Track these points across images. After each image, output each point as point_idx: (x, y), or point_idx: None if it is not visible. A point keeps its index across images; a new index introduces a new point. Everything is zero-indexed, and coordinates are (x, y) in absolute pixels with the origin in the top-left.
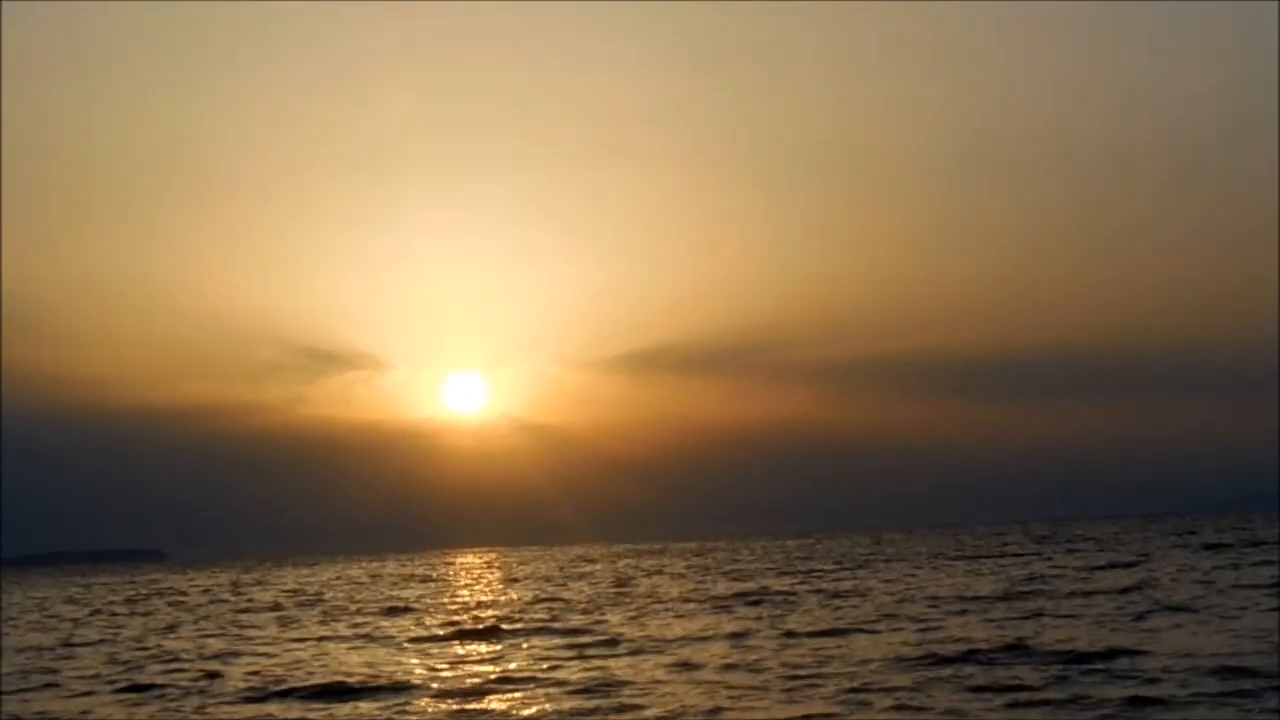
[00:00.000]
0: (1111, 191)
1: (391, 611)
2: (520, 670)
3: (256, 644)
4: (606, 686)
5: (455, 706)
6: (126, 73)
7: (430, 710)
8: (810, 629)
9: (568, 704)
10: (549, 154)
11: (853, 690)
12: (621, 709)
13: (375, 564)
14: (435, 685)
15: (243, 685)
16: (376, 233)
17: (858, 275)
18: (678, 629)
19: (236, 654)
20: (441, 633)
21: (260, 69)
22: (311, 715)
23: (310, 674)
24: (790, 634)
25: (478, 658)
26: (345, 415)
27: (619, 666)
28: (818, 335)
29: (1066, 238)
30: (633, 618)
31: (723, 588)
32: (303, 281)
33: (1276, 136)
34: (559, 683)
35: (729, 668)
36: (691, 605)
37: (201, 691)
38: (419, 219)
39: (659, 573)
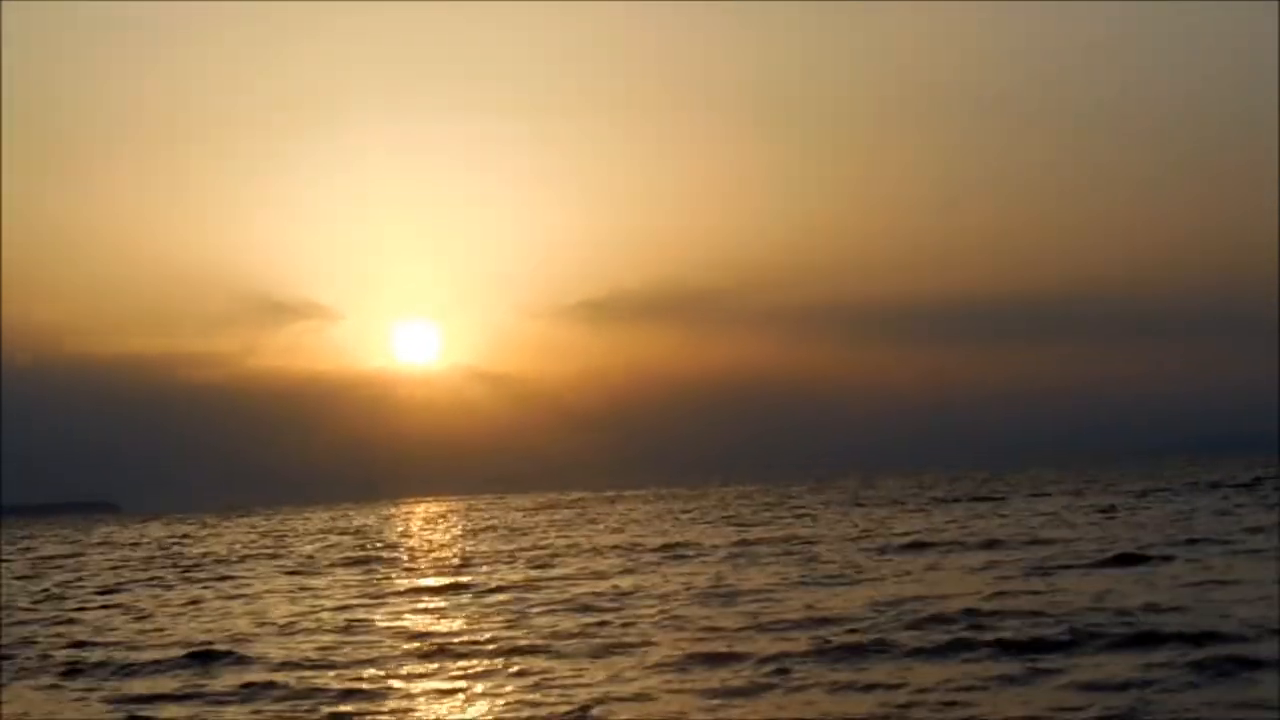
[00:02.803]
0: (1102, 136)
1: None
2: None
3: None
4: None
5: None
6: (71, 21)
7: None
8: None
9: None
10: (502, 100)
11: None
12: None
13: (311, 515)
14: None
15: None
16: (328, 181)
17: (819, 220)
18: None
19: None
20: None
21: (209, 17)
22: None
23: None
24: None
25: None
26: (297, 366)
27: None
28: (778, 281)
29: (1048, 182)
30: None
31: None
32: (254, 231)
33: (1275, 72)
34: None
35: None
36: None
37: None
38: (371, 167)
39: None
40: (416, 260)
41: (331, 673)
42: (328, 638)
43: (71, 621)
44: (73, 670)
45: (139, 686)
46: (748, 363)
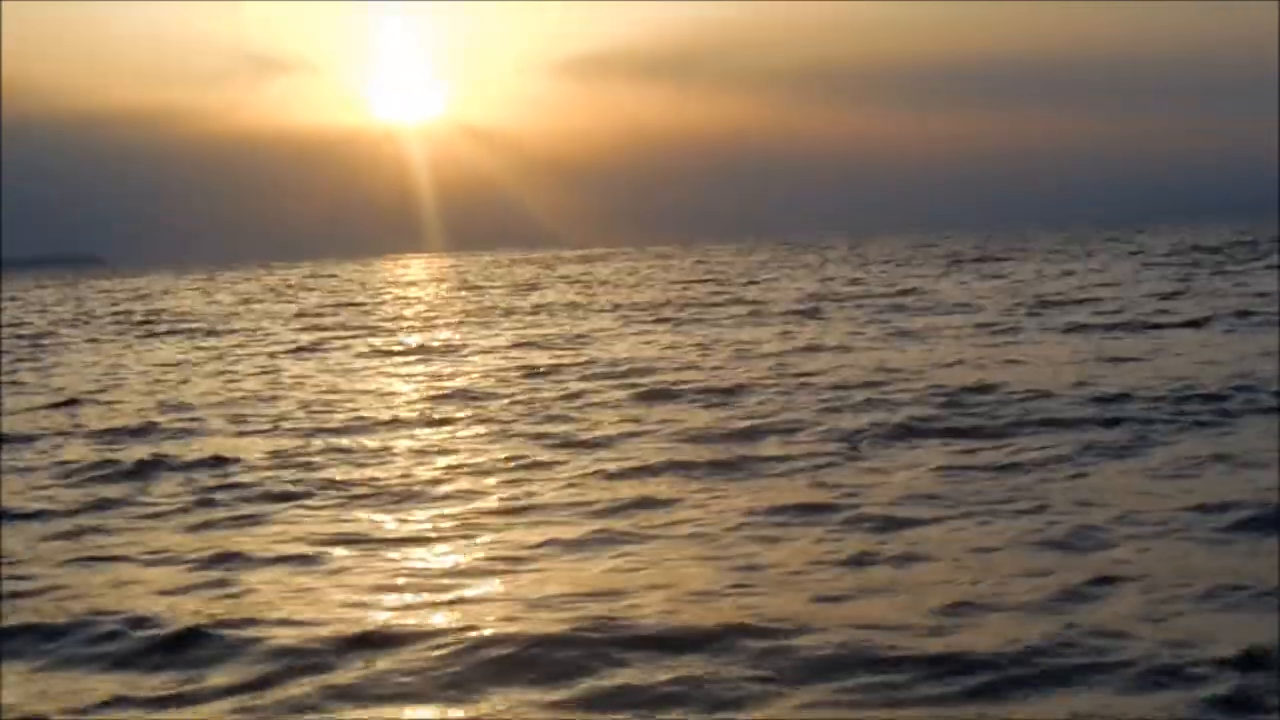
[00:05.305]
0: None
1: None
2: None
3: None
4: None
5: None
6: None
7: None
8: None
9: None
10: None
11: None
12: None
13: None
14: None
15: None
16: None
17: None
18: None
19: None
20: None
21: None
22: None
23: None
24: None
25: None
26: (287, 122)
27: None
28: (771, 39)
29: None
30: None
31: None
32: None
33: None
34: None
35: None
36: None
37: None
38: None
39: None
40: (409, 16)
41: None
42: None
43: None
44: None
45: None
46: (739, 125)
